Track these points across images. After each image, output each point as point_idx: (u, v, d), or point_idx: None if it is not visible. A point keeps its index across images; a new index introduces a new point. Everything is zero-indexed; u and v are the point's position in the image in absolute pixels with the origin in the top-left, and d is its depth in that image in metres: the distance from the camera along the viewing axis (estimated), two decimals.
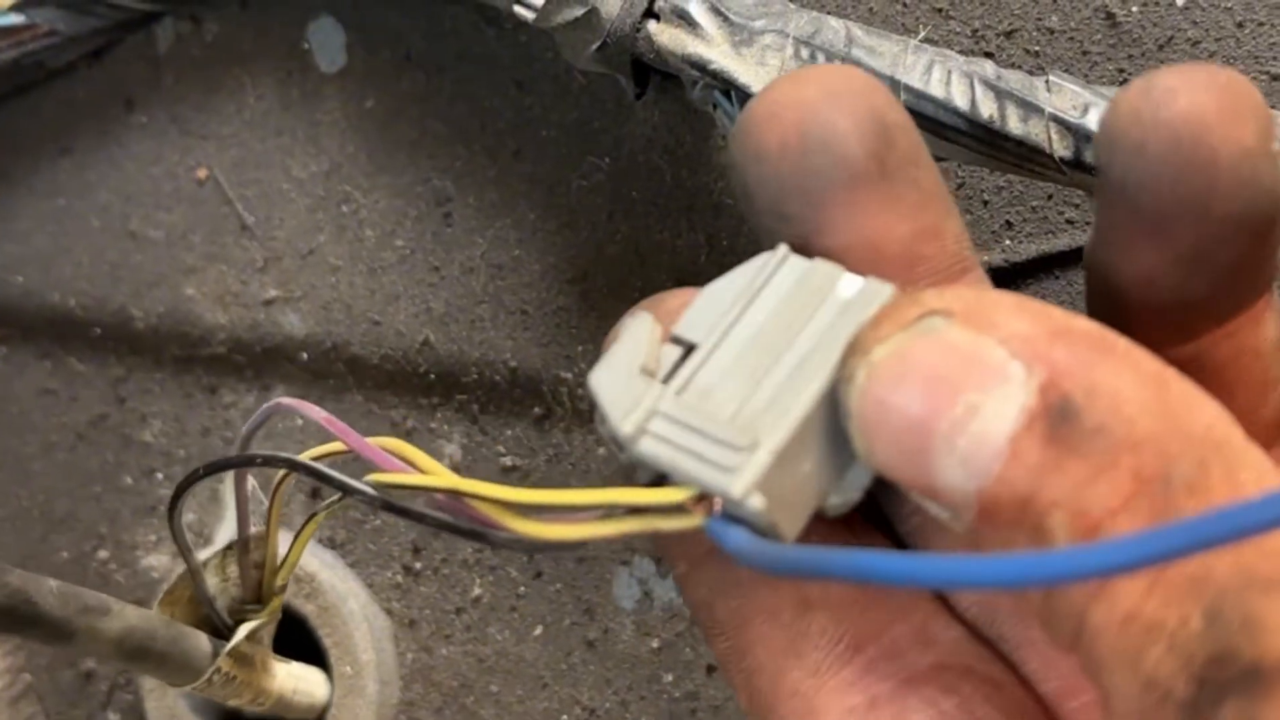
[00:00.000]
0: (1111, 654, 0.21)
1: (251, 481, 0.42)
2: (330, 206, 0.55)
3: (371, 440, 0.31)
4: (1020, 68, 0.46)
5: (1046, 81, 0.41)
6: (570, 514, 0.27)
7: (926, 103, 0.41)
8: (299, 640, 0.54)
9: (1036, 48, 0.46)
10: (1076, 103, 0.40)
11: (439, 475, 0.29)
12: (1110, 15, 0.45)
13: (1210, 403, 0.23)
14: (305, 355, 0.56)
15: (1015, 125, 0.40)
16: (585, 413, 0.52)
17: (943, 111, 0.41)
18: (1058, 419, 0.22)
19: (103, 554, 0.59)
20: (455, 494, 0.28)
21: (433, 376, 0.54)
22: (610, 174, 0.51)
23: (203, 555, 0.44)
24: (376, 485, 0.30)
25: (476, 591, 0.55)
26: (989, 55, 0.46)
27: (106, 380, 0.59)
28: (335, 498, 0.33)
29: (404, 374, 0.54)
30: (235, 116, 0.56)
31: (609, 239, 0.52)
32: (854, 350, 0.25)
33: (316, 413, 0.34)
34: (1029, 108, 0.40)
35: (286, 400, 0.35)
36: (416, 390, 0.54)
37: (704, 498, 0.27)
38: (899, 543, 0.30)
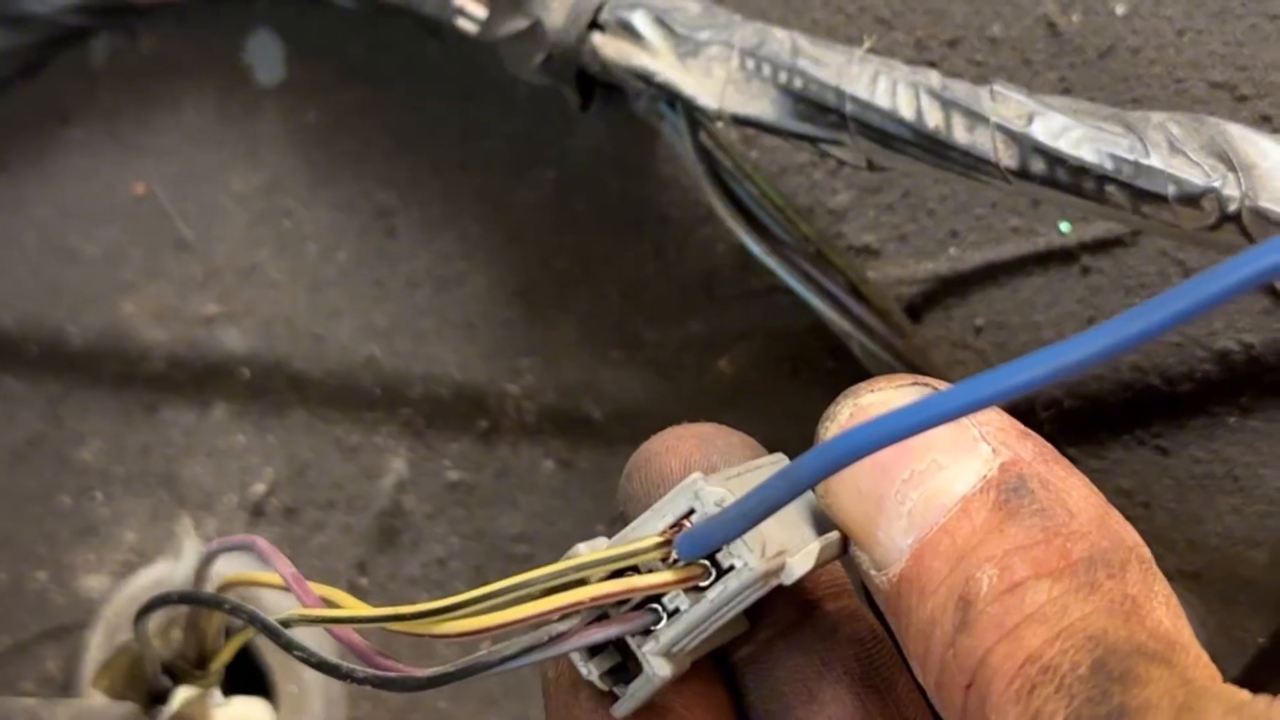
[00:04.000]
0: (1006, 688, 0.24)
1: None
2: (271, 221, 0.54)
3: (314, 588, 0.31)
4: (963, 77, 0.46)
5: (991, 91, 0.41)
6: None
7: (873, 113, 0.41)
8: (241, 660, 0.54)
9: (979, 57, 0.46)
10: (1021, 112, 0.40)
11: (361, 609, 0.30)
12: (1052, 25, 0.45)
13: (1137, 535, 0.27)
14: (247, 372, 0.55)
15: (961, 135, 0.41)
16: (531, 425, 0.52)
17: (889, 121, 0.41)
18: (1010, 492, 0.26)
19: (41, 575, 0.58)
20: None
21: (377, 391, 0.54)
22: (556, 186, 0.51)
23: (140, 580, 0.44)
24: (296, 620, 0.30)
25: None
26: (933, 65, 0.46)
27: (43, 399, 0.58)
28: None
29: (348, 390, 0.54)
30: (173, 130, 0.56)
31: (555, 251, 0.51)
32: (845, 394, 0.28)
33: (284, 567, 0.33)
34: (975, 117, 0.40)
35: (262, 543, 0.35)
36: (360, 406, 0.54)
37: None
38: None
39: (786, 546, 0.29)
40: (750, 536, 0.28)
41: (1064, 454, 0.41)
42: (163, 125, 0.56)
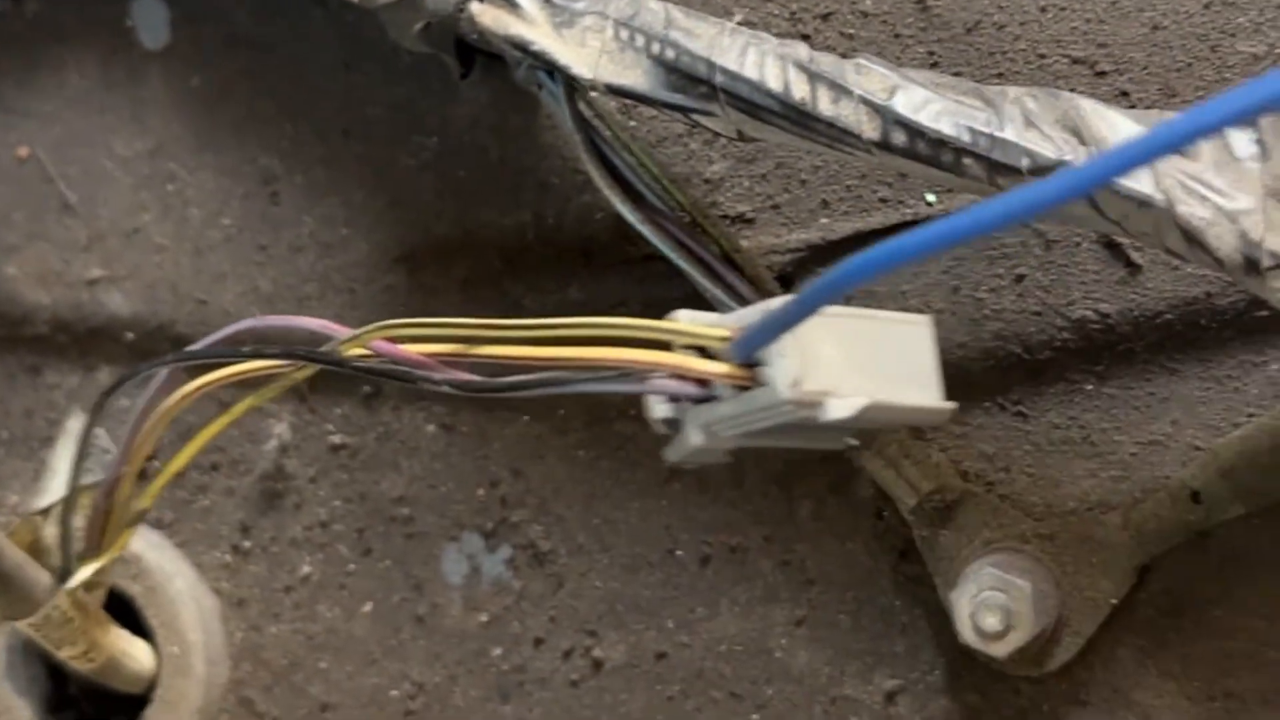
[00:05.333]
0: None
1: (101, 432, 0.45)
2: (155, 185, 0.55)
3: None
4: (835, 50, 0.47)
5: (856, 64, 0.42)
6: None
7: (742, 84, 0.42)
8: (126, 622, 0.54)
9: (851, 30, 0.47)
10: (885, 85, 0.41)
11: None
12: (922, 1, 0.46)
13: None
14: (130, 335, 0.55)
15: (826, 107, 0.42)
16: (413, 390, 0.52)
17: (757, 93, 0.42)
18: None
19: None
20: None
21: None
22: (437, 153, 0.52)
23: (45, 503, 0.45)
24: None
25: (305, 570, 0.55)
26: (805, 37, 0.48)
27: None
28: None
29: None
30: (57, 94, 0.56)
31: (436, 218, 0.52)
32: None
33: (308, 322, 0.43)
34: (840, 90, 0.42)
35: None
36: None
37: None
38: None
39: (835, 387, 0.35)
40: (790, 365, 0.35)
41: None
42: (46, 89, 0.56)
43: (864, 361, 0.37)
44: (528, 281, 0.51)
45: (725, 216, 0.49)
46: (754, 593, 0.50)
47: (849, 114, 0.41)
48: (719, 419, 0.37)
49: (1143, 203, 0.39)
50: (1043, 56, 0.45)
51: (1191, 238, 0.38)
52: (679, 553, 0.51)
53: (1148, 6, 0.44)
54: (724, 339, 0.36)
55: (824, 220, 0.48)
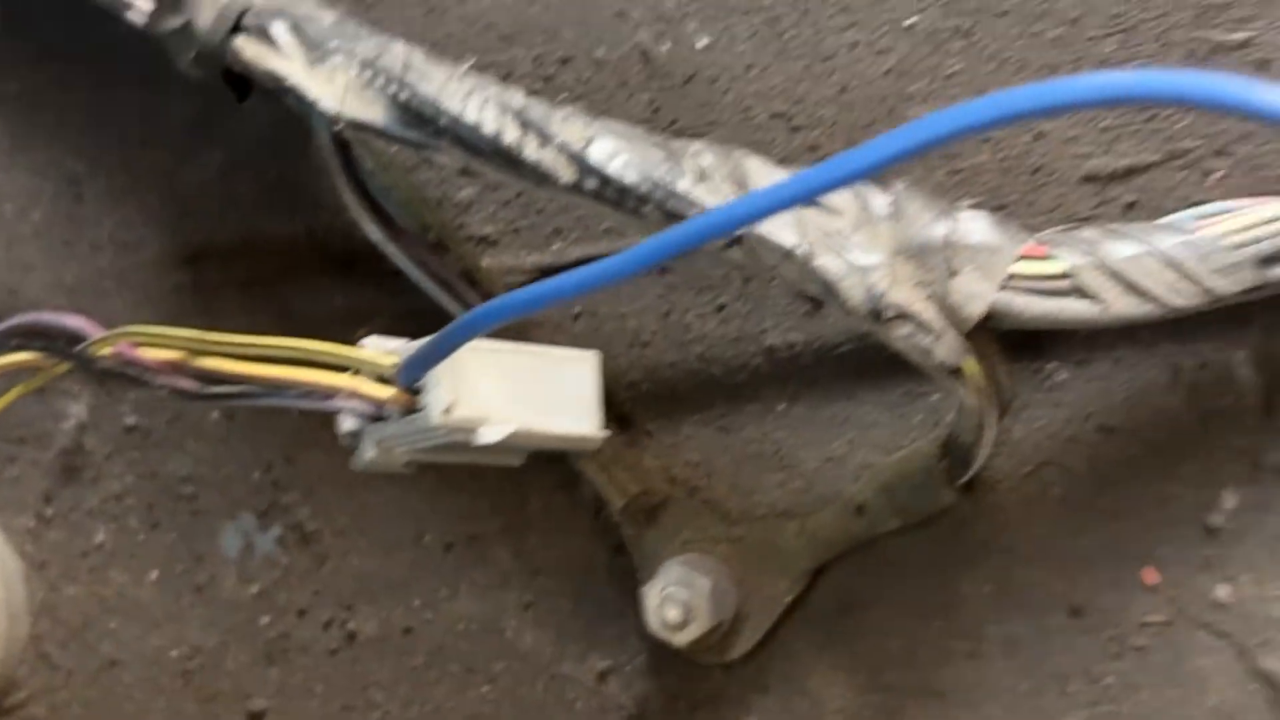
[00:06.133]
0: None
1: None
2: None
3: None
4: (572, 93, 0.52)
5: (561, 114, 0.47)
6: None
7: (463, 126, 0.47)
8: None
9: (586, 75, 0.52)
10: (583, 135, 0.46)
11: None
12: (645, 53, 0.51)
13: None
14: None
15: (532, 151, 0.47)
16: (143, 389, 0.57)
17: (475, 135, 0.47)
18: None
19: None
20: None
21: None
22: (223, 166, 0.57)
23: None
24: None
25: (100, 538, 0.60)
26: (548, 79, 0.52)
27: None
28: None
29: None
30: None
31: (221, 225, 0.57)
32: None
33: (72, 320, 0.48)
34: (544, 136, 0.47)
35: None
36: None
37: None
38: None
39: (489, 415, 0.41)
40: (444, 393, 0.41)
41: (644, 429, 0.48)
42: None
43: (520, 392, 0.42)
44: (298, 288, 0.56)
45: (470, 237, 0.54)
46: (489, 578, 0.55)
47: (550, 159, 0.46)
48: (389, 437, 0.42)
49: (788, 253, 0.44)
50: (748, 109, 0.50)
51: (827, 287, 0.44)
52: (426, 539, 0.56)
53: (837, 70, 0.49)
54: (393, 366, 0.41)
55: (556, 246, 0.53)
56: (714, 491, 0.52)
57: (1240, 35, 0.45)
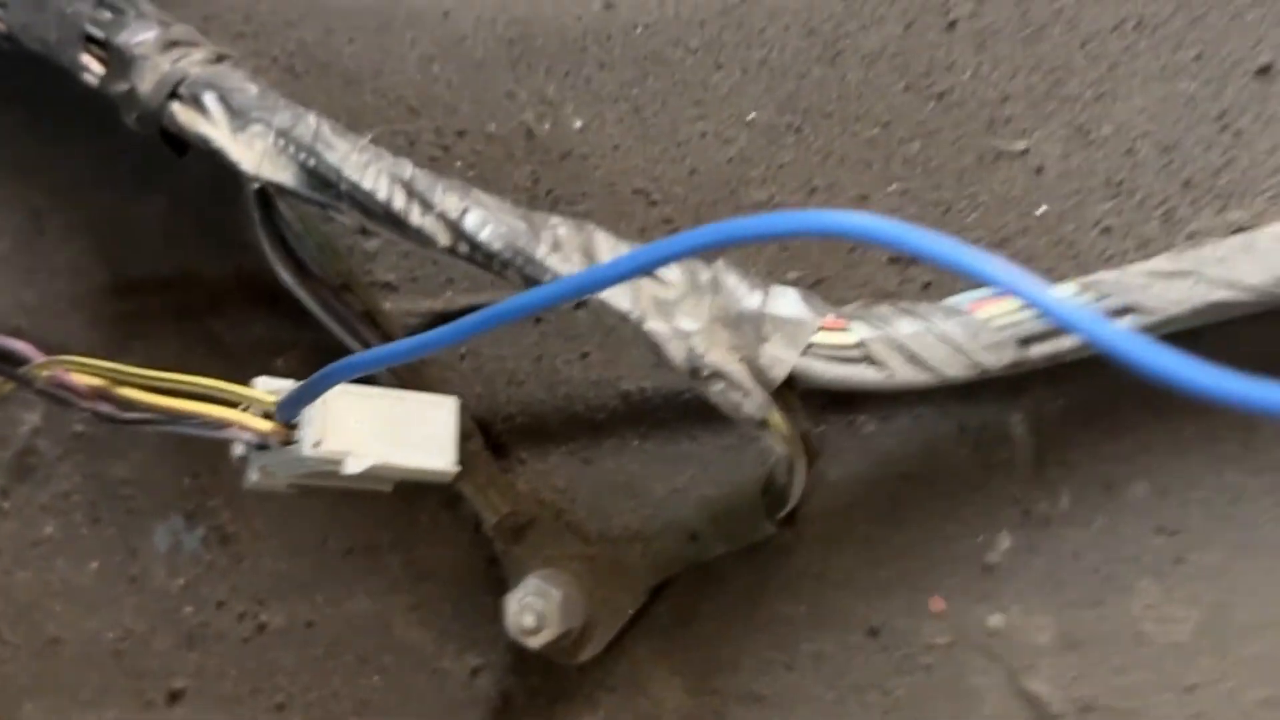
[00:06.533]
0: None
1: None
2: None
3: None
4: (466, 161, 0.59)
5: (445, 185, 0.54)
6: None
7: (359, 192, 0.55)
8: None
9: (479, 147, 0.60)
10: (459, 205, 0.54)
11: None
12: (529, 130, 0.59)
13: None
14: None
15: (416, 217, 0.54)
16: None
17: (369, 199, 0.55)
18: None
19: None
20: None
21: None
22: (166, 208, 0.64)
23: None
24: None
25: (49, 530, 0.68)
26: (446, 149, 0.60)
27: None
28: None
29: None
30: None
31: (161, 261, 0.65)
32: None
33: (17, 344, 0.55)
34: (427, 205, 0.54)
35: None
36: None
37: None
38: None
39: (353, 449, 0.49)
40: (315, 429, 0.49)
41: (518, 457, 0.56)
42: None
43: (382, 430, 0.50)
44: (226, 320, 0.64)
45: (375, 283, 0.61)
46: (382, 582, 0.63)
47: (430, 225, 0.54)
48: (270, 463, 0.50)
49: (623, 317, 0.51)
50: (613, 184, 0.58)
51: (655, 347, 0.51)
52: (329, 544, 0.64)
53: (689, 155, 0.57)
54: (274, 403, 0.49)
55: (448, 294, 0.60)
56: (575, 515, 0.59)
57: (1020, 145, 0.52)
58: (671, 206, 0.57)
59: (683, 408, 0.57)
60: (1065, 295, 0.47)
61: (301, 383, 0.48)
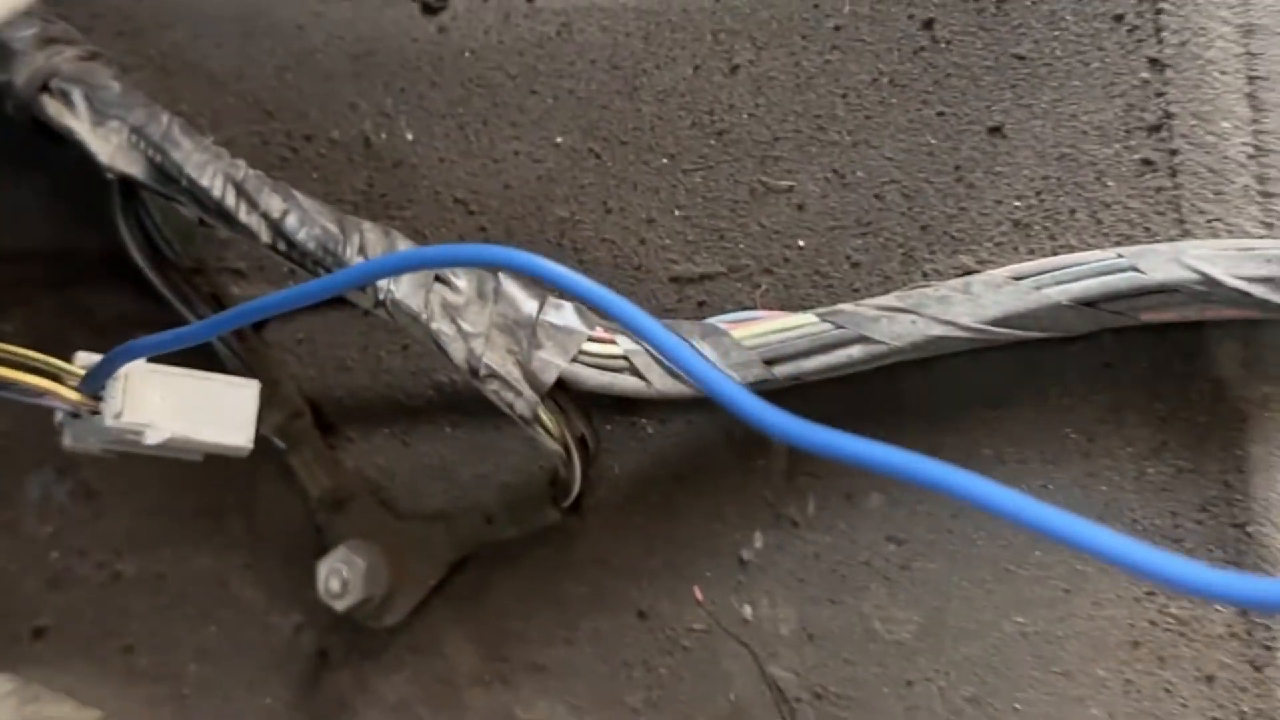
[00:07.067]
0: None
1: None
2: None
3: None
4: (314, 163, 0.65)
5: (272, 187, 0.60)
6: None
7: (198, 188, 0.60)
8: None
9: (323, 150, 0.65)
10: (281, 206, 0.59)
11: None
12: (368, 139, 0.64)
13: None
14: None
15: (243, 215, 0.60)
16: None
17: (205, 196, 0.60)
18: None
19: None
20: None
21: None
22: (48, 189, 0.70)
23: None
24: None
25: None
26: (295, 150, 0.66)
27: None
28: None
29: None
30: None
31: (42, 236, 0.71)
32: None
33: None
34: (253, 204, 0.60)
35: None
36: None
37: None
38: None
39: (152, 422, 0.54)
40: (116, 402, 0.54)
41: (347, 435, 0.61)
42: None
43: (183, 407, 0.55)
44: (97, 293, 0.70)
45: (226, 269, 0.67)
46: (223, 541, 0.69)
47: (255, 223, 0.60)
48: (82, 430, 0.55)
49: (415, 317, 0.57)
50: (438, 193, 0.63)
51: (440, 346, 0.57)
52: (182, 503, 0.70)
53: (504, 171, 0.62)
54: (80, 375, 0.54)
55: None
56: (391, 492, 0.65)
57: (786, 182, 0.57)
58: (487, 217, 0.62)
59: (488, 401, 0.63)
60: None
61: (101, 357, 0.54)
